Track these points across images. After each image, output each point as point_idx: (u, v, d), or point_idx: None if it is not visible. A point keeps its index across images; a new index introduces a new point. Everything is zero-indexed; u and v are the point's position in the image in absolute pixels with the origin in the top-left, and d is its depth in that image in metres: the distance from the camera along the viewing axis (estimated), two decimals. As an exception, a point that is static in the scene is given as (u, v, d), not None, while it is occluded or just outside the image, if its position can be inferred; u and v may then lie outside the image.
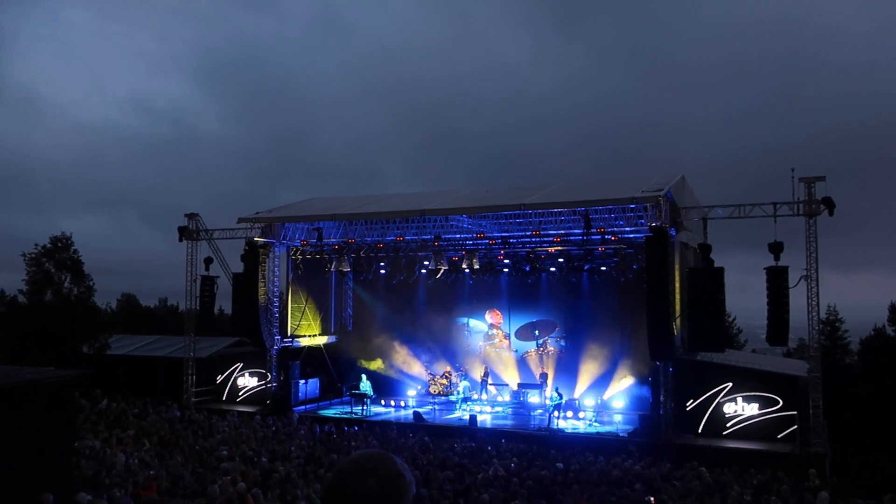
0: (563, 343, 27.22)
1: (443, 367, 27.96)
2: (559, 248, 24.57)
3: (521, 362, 27.78)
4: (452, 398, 26.23)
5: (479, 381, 26.55)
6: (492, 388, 26.94)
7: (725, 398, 21.59)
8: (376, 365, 27.73)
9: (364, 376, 26.49)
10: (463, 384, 25.93)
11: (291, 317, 28.29)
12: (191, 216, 27.35)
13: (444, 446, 18.76)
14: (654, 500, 12.64)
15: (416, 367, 28.45)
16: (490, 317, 28.69)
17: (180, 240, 27.27)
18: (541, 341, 27.83)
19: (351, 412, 25.24)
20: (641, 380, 23.60)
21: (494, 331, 28.69)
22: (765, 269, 20.48)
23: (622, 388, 24.83)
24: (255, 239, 25.99)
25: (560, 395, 23.17)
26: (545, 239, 24.23)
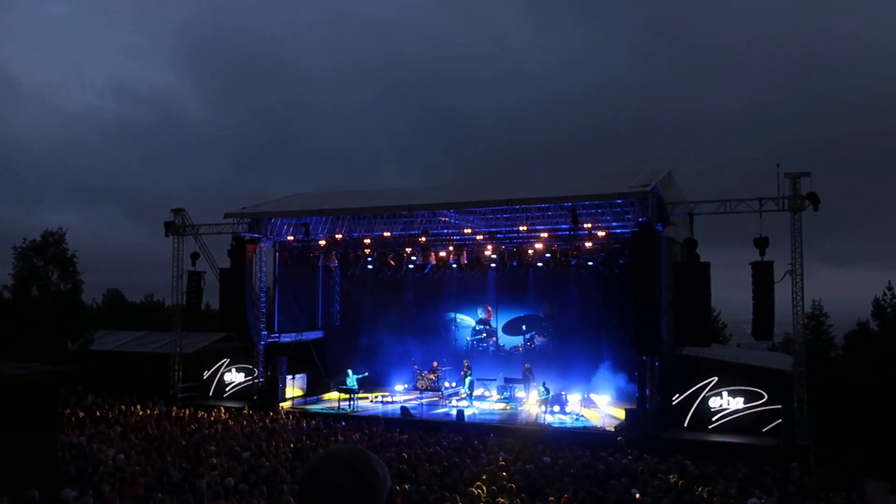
0: (547, 339, 27.36)
1: (430, 362, 27.98)
2: (546, 242, 24.63)
3: (508, 357, 27.87)
4: (461, 392, 26.23)
5: (462, 375, 26.60)
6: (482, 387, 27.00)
7: (711, 392, 21.74)
8: (359, 366, 27.56)
9: (350, 371, 26.49)
10: (468, 379, 25.96)
11: (279, 312, 28.25)
12: (177, 211, 27.26)
13: (431, 441, 18.79)
14: (640, 493, 12.72)
15: (403, 362, 28.45)
16: (483, 312, 28.77)
17: (166, 235, 27.16)
18: (528, 336, 27.95)
19: (338, 407, 25.24)
20: (628, 374, 23.71)
21: (483, 326, 28.76)
22: (750, 264, 20.61)
23: (608, 383, 24.92)
24: (242, 234, 25.93)
25: (547, 390, 23.28)
26: (532, 234, 24.29)
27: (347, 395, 25.35)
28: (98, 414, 20.50)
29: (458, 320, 29.19)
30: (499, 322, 28.58)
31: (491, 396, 26.50)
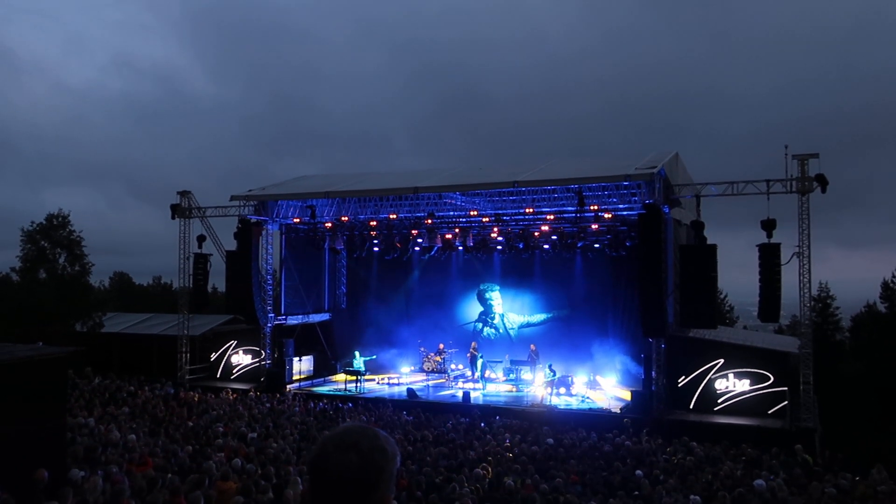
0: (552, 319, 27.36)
1: (436, 344, 28.02)
2: (552, 225, 24.57)
3: (514, 339, 27.88)
4: (469, 374, 26.24)
5: (470, 357, 26.64)
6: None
7: (717, 374, 21.76)
8: (365, 348, 27.68)
9: (357, 353, 26.58)
10: (479, 361, 26.01)
11: (285, 294, 28.30)
12: (183, 193, 27.29)
13: (437, 423, 18.87)
14: (645, 475, 12.76)
15: (410, 344, 28.51)
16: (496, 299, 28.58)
17: (173, 217, 27.20)
18: (535, 320, 27.95)
19: (345, 389, 25.35)
20: (634, 356, 23.73)
21: (495, 309, 28.60)
22: (757, 246, 20.54)
23: (614, 365, 24.95)
24: (248, 217, 25.95)
25: (553, 372, 23.30)
26: (538, 216, 24.22)
27: (354, 377, 25.46)
28: (106, 395, 20.62)
29: (465, 302, 29.15)
30: (505, 305, 28.50)
31: (497, 378, 26.55)
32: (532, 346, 26.03)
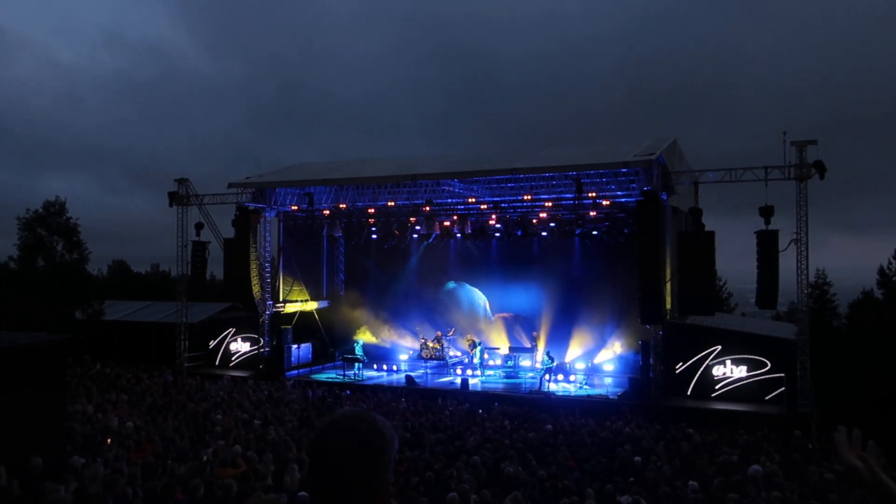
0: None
1: (434, 331, 28.06)
2: (550, 212, 24.56)
3: (513, 327, 27.90)
4: (474, 360, 26.30)
5: (468, 346, 26.67)
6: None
7: (714, 361, 21.82)
8: (363, 335, 27.82)
9: (356, 341, 26.62)
10: (478, 349, 26.05)
11: (283, 282, 28.31)
12: (181, 181, 27.21)
13: (436, 409, 18.92)
14: (643, 461, 12.81)
15: (408, 332, 28.55)
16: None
17: (170, 205, 27.14)
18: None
19: (343, 376, 25.41)
20: (632, 343, 23.77)
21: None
22: (755, 232, 20.54)
23: (613, 352, 25.00)
24: (246, 204, 25.91)
25: (551, 359, 23.35)
26: (537, 203, 24.21)
27: (353, 364, 25.52)
28: (105, 383, 20.65)
29: (463, 290, 29.16)
30: (505, 292, 28.49)
31: (495, 365, 26.60)
32: (535, 334, 26.13)
